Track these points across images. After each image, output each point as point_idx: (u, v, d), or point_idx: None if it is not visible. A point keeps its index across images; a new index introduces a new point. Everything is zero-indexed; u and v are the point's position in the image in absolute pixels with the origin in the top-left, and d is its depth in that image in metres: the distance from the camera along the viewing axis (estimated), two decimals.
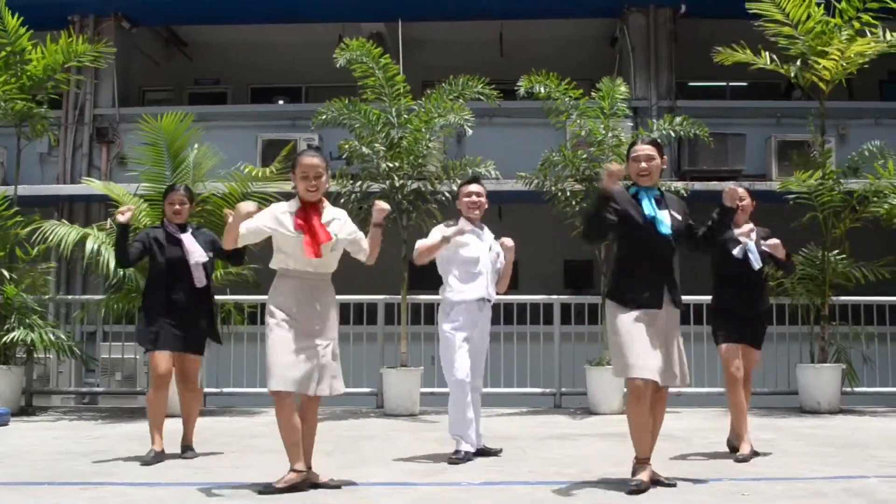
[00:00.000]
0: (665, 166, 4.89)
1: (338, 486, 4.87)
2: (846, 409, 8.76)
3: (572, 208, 9.10)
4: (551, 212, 9.35)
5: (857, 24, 8.52)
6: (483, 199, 5.89)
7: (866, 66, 8.74)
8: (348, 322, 9.46)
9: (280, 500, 4.66)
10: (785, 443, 6.68)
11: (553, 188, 9.22)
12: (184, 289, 5.90)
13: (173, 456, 5.91)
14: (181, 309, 5.88)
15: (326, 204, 4.97)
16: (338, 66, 9.05)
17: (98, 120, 13.47)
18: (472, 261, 5.75)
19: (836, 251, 8.92)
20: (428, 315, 9.22)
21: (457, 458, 5.70)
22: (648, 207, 4.80)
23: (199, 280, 5.90)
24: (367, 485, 5.04)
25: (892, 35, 8.55)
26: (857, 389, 9.12)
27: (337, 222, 4.92)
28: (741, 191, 6.02)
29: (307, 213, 4.83)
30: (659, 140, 9.36)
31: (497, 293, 5.95)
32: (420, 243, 5.78)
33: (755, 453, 5.83)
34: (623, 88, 9.26)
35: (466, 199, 5.86)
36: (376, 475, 5.36)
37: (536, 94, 9.15)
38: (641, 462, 4.77)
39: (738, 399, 5.86)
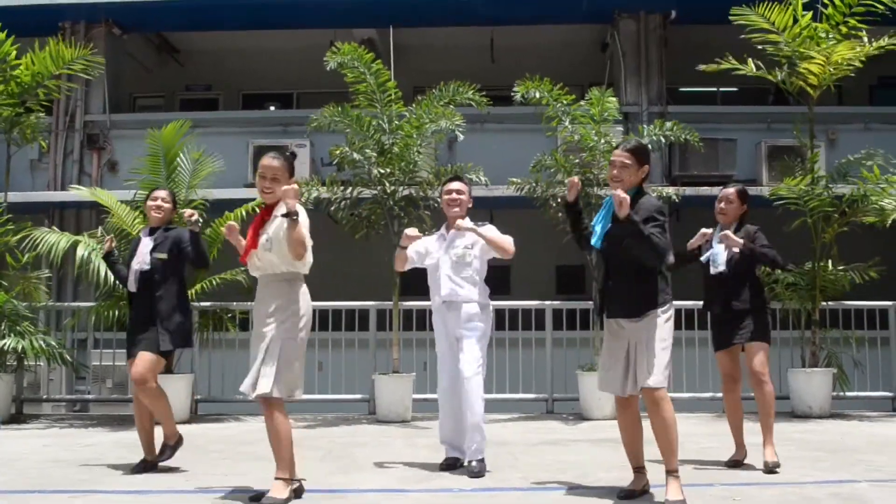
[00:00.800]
0: (645, 174, 4.80)
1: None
2: (837, 414, 8.78)
3: (564, 213, 9.13)
4: (543, 217, 9.37)
5: (843, 29, 8.56)
6: (464, 197, 5.87)
7: (852, 73, 8.77)
8: (340, 328, 9.47)
9: None
10: (776, 447, 6.68)
11: (544, 193, 9.25)
12: (143, 294, 5.81)
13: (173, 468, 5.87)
14: (140, 313, 5.80)
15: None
16: (328, 69, 9.05)
17: (89, 126, 13.44)
18: (434, 267, 5.85)
19: (825, 262, 8.96)
20: (420, 321, 9.23)
21: (443, 465, 5.76)
22: (596, 218, 4.86)
23: (132, 283, 5.82)
24: (359, 491, 5.04)
25: (879, 41, 8.57)
26: (847, 394, 9.15)
27: (276, 221, 4.71)
28: (725, 192, 5.94)
29: (258, 218, 4.83)
30: (650, 145, 9.42)
31: (507, 255, 5.75)
32: (397, 259, 5.93)
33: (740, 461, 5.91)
34: (612, 99, 9.27)
35: (447, 197, 5.89)
36: (368, 482, 5.36)
37: (531, 100, 9.17)
38: (633, 471, 4.83)
39: (732, 404, 5.97)
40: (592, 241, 4.80)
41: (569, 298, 11.09)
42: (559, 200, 9.02)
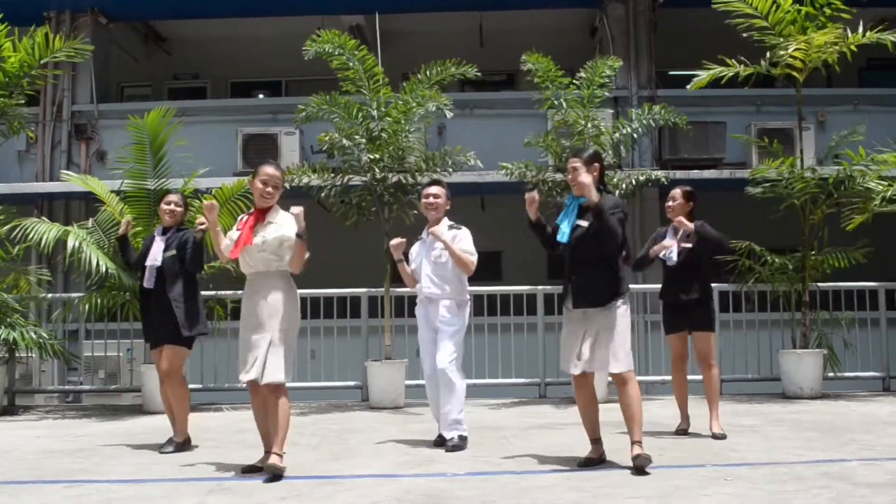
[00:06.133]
0: (597, 171, 5.24)
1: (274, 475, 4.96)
2: (828, 394, 8.84)
3: (554, 198, 9.15)
4: None
5: (828, 11, 8.54)
6: (441, 200, 6.29)
7: (837, 56, 8.76)
8: (332, 316, 9.46)
9: (265, 491, 4.67)
10: (767, 428, 6.75)
11: (534, 178, 9.25)
12: (158, 289, 6.25)
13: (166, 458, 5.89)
14: (155, 307, 6.26)
15: (277, 210, 5.23)
16: (307, 58, 8.99)
17: (76, 116, 13.37)
18: (418, 268, 6.35)
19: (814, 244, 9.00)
20: (411, 308, 9.15)
21: (436, 441, 6.14)
22: (561, 217, 5.32)
23: (147, 280, 6.28)
24: (352, 477, 5.05)
25: (864, 35, 8.58)
26: (838, 374, 9.19)
27: (272, 226, 5.12)
28: (673, 192, 6.57)
29: (250, 218, 5.20)
30: (640, 129, 9.41)
31: (467, 274, 6.25)
32: (403, 276, 6.44)
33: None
34: (608, 69, 9.29)
35: (425, 201, 6.33)
36: (362, 467, 5.37)
37: (533, 73, 9.18)
38: (591, 442, 5.28)
39: (679, 381, 6.66)
40: (559, 237, 5.24)
41: (560, 283, 11.13)
42: (547, 186, 9.06)
